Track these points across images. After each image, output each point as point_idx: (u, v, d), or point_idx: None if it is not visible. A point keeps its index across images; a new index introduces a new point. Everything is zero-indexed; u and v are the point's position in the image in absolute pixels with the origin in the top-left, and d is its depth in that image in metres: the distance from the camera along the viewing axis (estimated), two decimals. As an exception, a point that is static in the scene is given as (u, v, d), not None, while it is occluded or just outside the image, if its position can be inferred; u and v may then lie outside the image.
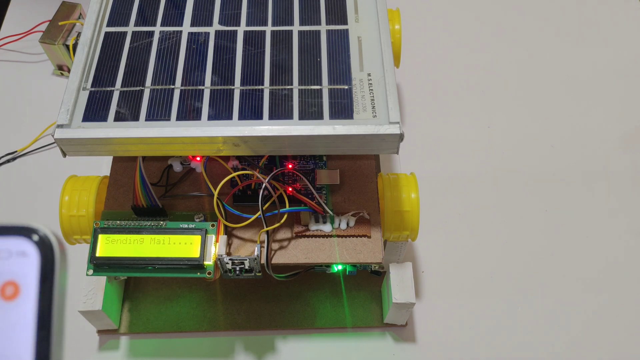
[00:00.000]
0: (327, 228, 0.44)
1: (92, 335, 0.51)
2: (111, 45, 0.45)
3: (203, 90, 0.42)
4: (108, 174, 0.48)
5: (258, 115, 0.40)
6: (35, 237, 0.16)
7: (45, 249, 0.16)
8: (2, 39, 0.69)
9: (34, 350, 0.15)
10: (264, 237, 0.43)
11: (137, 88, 0.42)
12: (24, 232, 0.16)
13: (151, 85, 0.42)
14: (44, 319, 0.15)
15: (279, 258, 0.43)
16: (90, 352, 0.51)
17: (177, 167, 0.47)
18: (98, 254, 0.42)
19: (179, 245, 0.42)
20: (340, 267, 0.46)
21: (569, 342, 0.51)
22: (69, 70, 0.67)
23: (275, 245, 0.44)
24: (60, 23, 0.64)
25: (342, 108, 0.40)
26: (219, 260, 0.42)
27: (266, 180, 0.43)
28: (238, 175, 0.45)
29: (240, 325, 0.51)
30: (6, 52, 0.69)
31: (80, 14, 0.66)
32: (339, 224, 0.44)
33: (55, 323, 0.15)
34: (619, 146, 0.63)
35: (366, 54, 0.44)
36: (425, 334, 0.52)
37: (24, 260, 0.16)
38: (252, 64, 0.43)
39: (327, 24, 0.46)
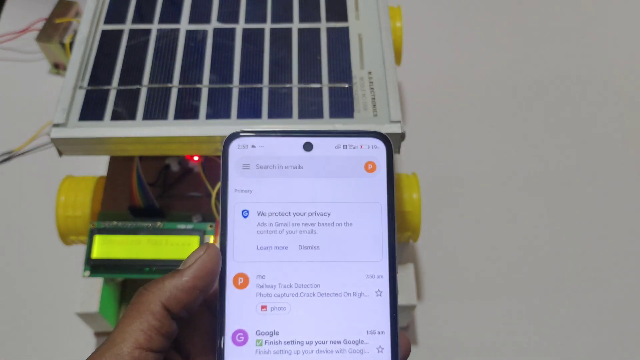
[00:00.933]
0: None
1: (89, 337, 0.50)
2: (108, 43, 0.44)
3: (201, 88, 0.41)
4: (105, 174, 0.47)
5: (257, 114, 0.40)
6: (384, 138, 0.27)
7: (389, 144, 0.27)
8: (-2, 37, 0.68)
9: (386, 197, 0.26)
10: (263, 238, 0.43)
11: (134, 87, 0.42)
12: (376, 135, 0.27)
13: (148, 83, 0.42)
14: (389, 182, 0.26)
15: (278, 259, 0.43)
16: (87, 354, 0.50)
17: (175, 167, 0.46)
18: (94, 255, 0.42)
19: (177, 246, 0.42)
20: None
21: (572, 344, 0.51)
22: (65, 69, 0.66)
23: (274, 246, 0.43)
24: (57, 21, 0.64)
25: (343, 107, 0.40)
26: (217, 262, 0.42)
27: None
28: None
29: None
30: (2, 50, 0.69)
31: (77, 12, 0.66)
32: (340, 225, 0.44)
33: (393, 182, 0.27)
34: (621, 146, 0.63)
35: (367, 51, 0.43)
36: (427, 337, 0.51)
37: (377, 150, 0.27)
38: (250, 62, 0.43)
39: (327, 21, 0.45)
